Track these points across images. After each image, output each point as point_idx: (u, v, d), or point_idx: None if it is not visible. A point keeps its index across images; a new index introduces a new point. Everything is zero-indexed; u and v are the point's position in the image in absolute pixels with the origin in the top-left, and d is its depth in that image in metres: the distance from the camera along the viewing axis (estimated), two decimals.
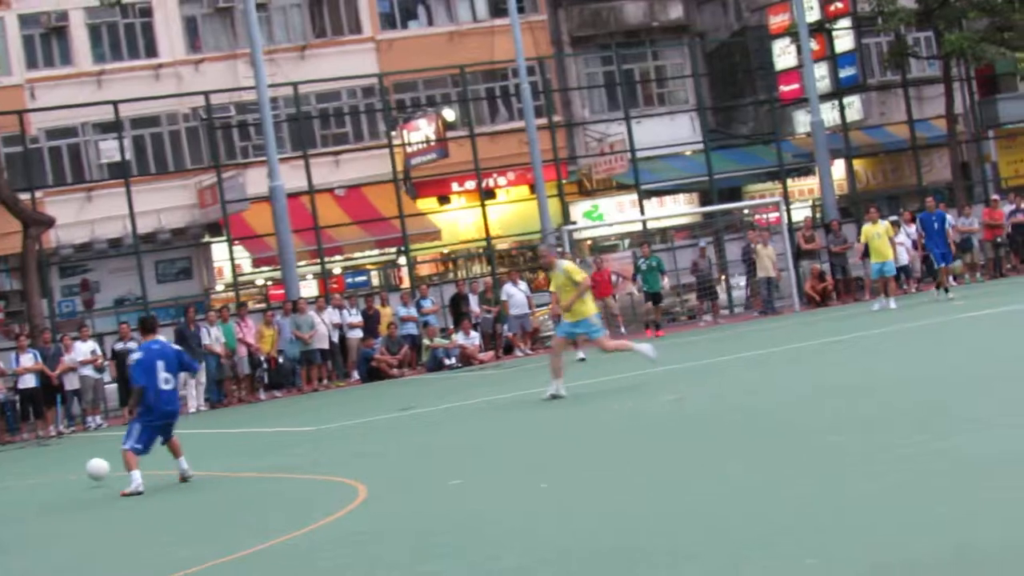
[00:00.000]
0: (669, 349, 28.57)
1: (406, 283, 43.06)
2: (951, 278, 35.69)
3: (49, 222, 38.36)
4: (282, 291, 39.83)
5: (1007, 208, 40.98)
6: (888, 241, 32.38)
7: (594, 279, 39.86)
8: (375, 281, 46.46)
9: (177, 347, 17.49)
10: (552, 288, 21.78)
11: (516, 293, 38.21)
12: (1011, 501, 8.62)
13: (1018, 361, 16.83)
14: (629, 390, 20.42)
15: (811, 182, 49.94)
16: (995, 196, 43.16)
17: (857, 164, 50.77)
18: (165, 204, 44.43)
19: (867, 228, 32.70)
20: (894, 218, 38.40)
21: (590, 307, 20.97)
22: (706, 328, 37.18)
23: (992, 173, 52.28)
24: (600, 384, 22.14)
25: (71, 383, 32.86)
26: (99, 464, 17.56)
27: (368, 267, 47.58)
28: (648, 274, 37.35)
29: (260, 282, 46.38)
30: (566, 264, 21.21)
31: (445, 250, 48.26)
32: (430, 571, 9.05)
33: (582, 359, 27.39)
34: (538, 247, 25.43)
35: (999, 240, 40.43)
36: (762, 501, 9.86)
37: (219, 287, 45.51)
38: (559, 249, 27.97)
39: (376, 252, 47.24)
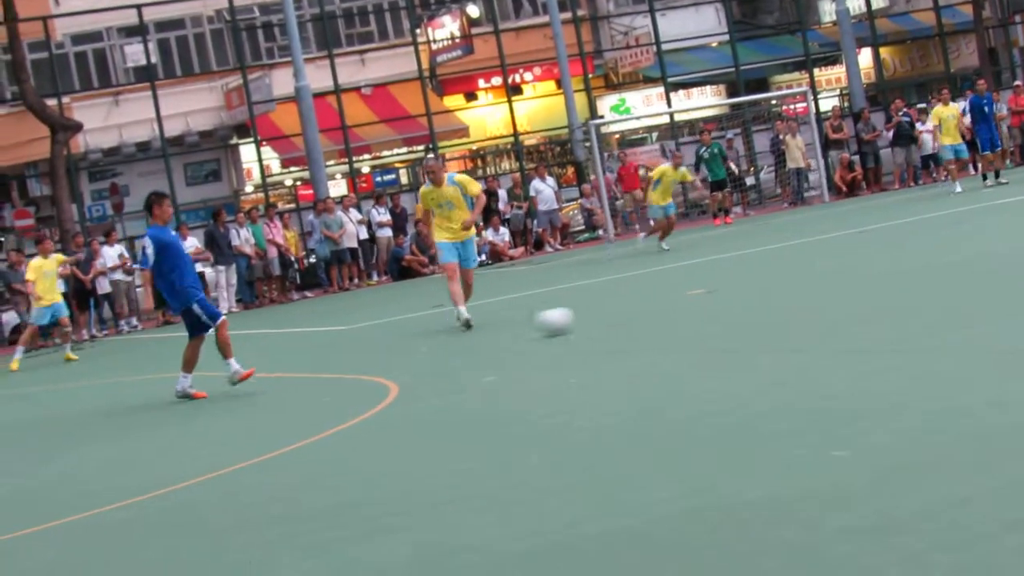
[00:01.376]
0: (710, 241, 28.69)
1: None
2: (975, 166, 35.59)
3: (76, 127, 38.48)
4: (311, 191, 39.92)
5: None
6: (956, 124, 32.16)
7: (620, 173, 40.04)
8: (404, 180, 46.47)
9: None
10: (435, 204, 18.68)
11: (544, 188, 38.30)
12: None
13: None
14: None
15: (838, 71, 49.64)
16: (1018, 82, 42.83)
17: (884, 52, 50.41)
18: (192, 107, 44.38)
19: (939, 110, 32.41)
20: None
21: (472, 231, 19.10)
22: (736, 220, 37.09)
23: (1020, 58, 51.86)
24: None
25: (102, 287, 33.12)
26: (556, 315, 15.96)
27: (396, 165, 47.59)
28: (711, 162, 36.78)
29: (289, 183, 46.44)
30: (458, 176, 19.28)
31: (473, 147, 48.21)
32: (463, 469, 9.18)
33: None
34: (425, 160, 23.34)
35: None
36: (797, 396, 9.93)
37: (248, 188, 45.58)
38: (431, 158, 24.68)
39: (404, 150, 47.22)
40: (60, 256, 28.35)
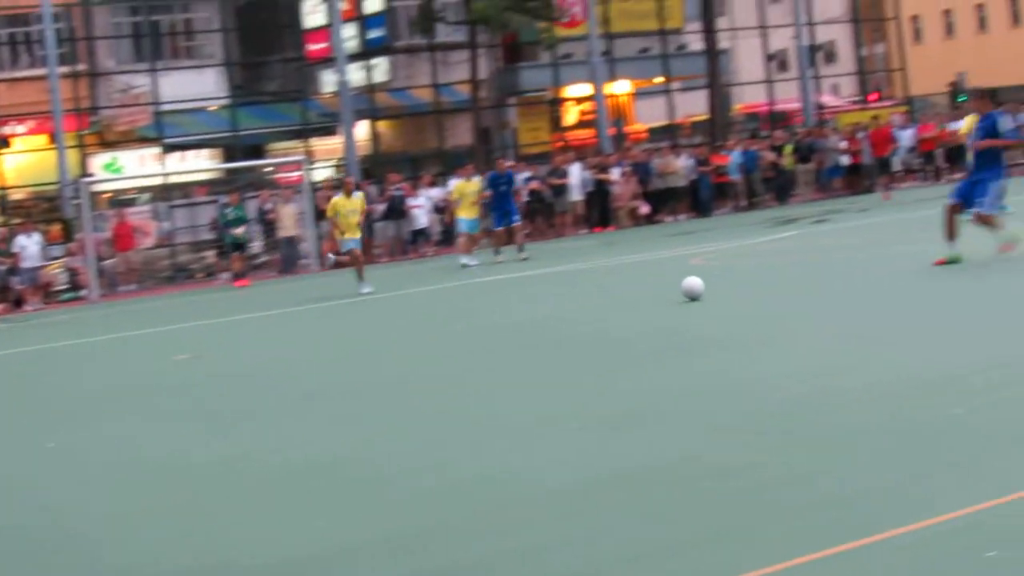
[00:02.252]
0: (189, 307, 28.36)
1: None
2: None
3: None
4: None
5: (521, 175, 42.10)
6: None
7: (116, 232, 39.18)
8: None
9: None
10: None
11: (29, 245, 37.08)
12: None
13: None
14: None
15: (336, 142, 50.14)
16: (511, 163, 44.17)
17: (381, 125, 51.30)
18: None
19: (461, 184, 33.06)
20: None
21: None
22: (223, 286, 36.74)
23: (512, 139, 53.62)
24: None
25: None
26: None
27: None
28: (233, 224, 36.17)
29: None
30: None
31: None
32: None
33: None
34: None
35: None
36: None
37: None
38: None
39: None
40: None
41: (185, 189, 46.60)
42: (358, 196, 28.38)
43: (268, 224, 39.87)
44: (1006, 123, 18.65)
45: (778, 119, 54.59)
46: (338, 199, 27.74)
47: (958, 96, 55.13)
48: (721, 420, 9.85)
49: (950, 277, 17.11)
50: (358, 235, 27.69)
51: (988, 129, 18.45)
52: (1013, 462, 7.72)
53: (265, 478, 9.62)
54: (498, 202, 33.00)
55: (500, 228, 33.24)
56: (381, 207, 40.34)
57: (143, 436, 12.05)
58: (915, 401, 9.66)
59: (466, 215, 32.67)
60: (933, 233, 19.17)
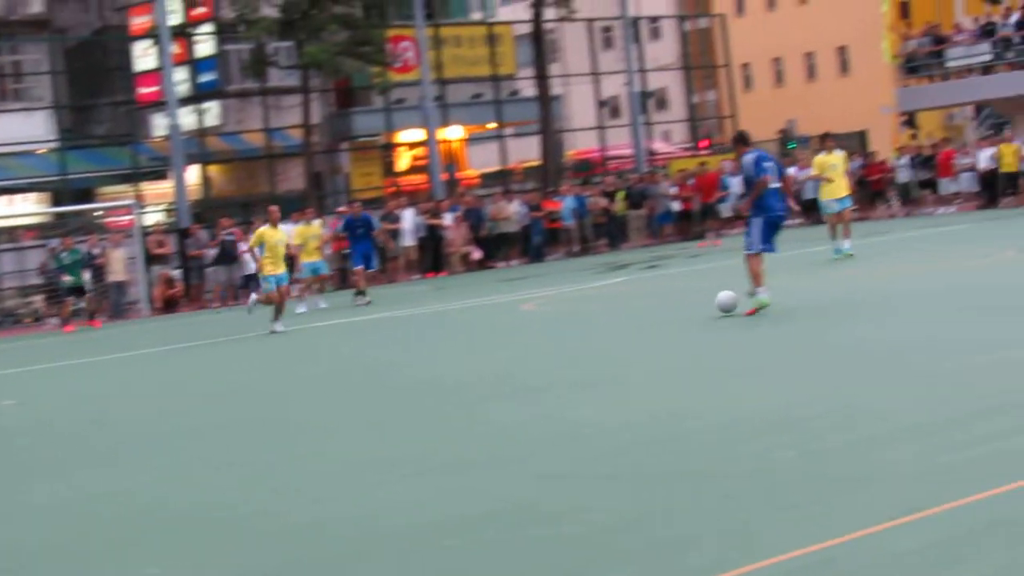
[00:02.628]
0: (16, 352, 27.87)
1: None
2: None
3: None
4: None
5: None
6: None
7: None
8: None
9: None
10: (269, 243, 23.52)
11: None
12: None
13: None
14: None
15: (166, 186, 49.62)
16: (342, 208, 44.21)
17: (213, 170, 50.96)
18: None
19: (302, 229, 32.59)
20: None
21: None
22: (54, 331, 36.14)
23: (344, 184, 53.53)
24: None
25: None
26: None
27: None
28: (72, 268, 35.50)
29: None
30: None
31: None
32: None
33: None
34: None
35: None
36: None
37: None
38: None
39: None
40: None
41: (12, 233, 45.81)
42: (303, 225, 28.64)
43: (97, 269, 39.29)
44: (747, 166, 18.93)
45: (610, 165, 55.16)
46: (264, 229, 25.94)
47: (788, 143, 56.25)
48: (553, 465, 9.91)
49: (774, 322, 17.40)
50: (283, 269, 25.90)
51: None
52: (844, 504, 7.85)
53: (95, 521, 9.52)
54: (356, 245, 32.83)
55: (359, 268, 32.65)
56: (212, 252, 40.04)
57: None
58: (748, 444, 9.80)
59: (309, 259, 32.34)
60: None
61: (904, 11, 74.92)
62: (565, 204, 44.01)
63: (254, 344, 24.20)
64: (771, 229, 18.66)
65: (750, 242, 18.66)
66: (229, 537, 8.68)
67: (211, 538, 8.72)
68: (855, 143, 54.84)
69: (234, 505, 9.68)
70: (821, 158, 29.37)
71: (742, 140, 19.66)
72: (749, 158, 18.87)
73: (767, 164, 18.77)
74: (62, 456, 13.09)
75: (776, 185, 18.78)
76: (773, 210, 18.67)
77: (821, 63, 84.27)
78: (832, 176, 28.60)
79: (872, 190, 45.37)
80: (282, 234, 26.23)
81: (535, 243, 43.62)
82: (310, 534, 8.48)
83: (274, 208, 26.84)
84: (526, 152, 57.76)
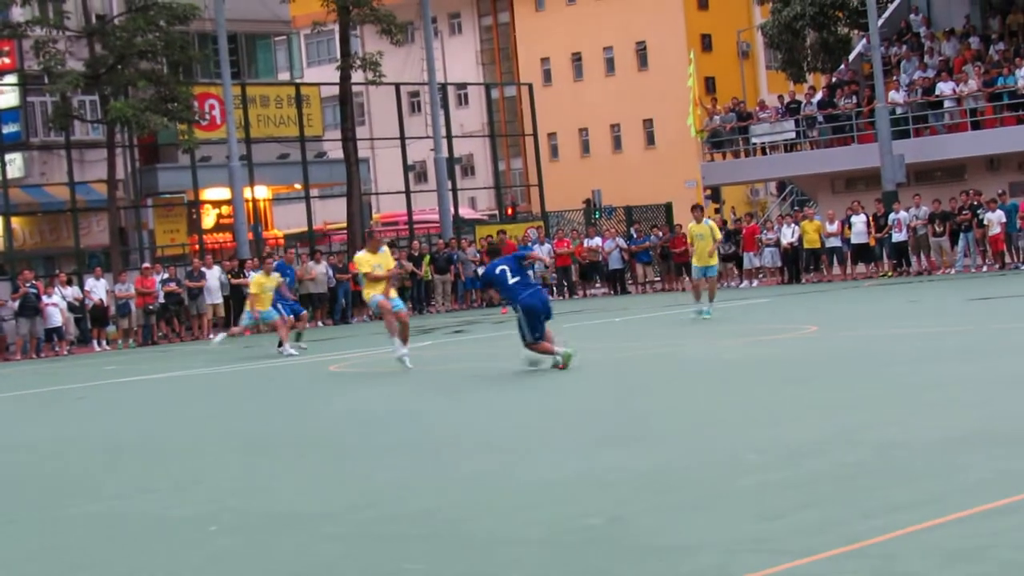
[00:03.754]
0: None
1: None
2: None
3: None
4: None
5: (159, 276, 41.82)
6: None
7: None
8: None
9: None
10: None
11: None
12: None
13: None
14: None
15: None
16: (146, 264, 43.91)
17: (15, 221, 50.14)
18: None
19: (259, 279, 31.91)
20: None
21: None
22: None
23: (149, 240, 53.04)
24: None
25: None
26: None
27: None
28: None
29: None
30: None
31: None
32: None
33: None
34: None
35: (150, 308, 41.04)
36: None
37: None
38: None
39: None
40: None
41: None
42: (261, 275, 29.37)
43: None
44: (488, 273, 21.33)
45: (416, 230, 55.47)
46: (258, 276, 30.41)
47: (593, 213, 57.16)
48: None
49: (600, 378, 17.79)
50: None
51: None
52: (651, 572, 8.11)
53: None
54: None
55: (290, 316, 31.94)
56: (13, 304, 39.46)
57: None
58: (551, 509, 10.03)
59: (263, 308, 31.17)
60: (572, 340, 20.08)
61: (710, 86, 77.02)
62: None
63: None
64: (534, 317, 20.12)
65: (523, 334, 20.22)
66: None
67: None
68: (660, 215, 56.02)
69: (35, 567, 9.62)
70: (692, 227, 30.38)
71: (492, 252, 23.56)
72: (490, 267, 21.03)
73: (501, 268, 20.66)
74: None
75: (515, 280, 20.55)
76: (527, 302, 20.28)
77: (627, 134, 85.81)
78: (699, 245, 29.65)
79: (675, 262, 46.18)
80: (276, 280, 30.07)
81: (341, 305, 43.73)
82: None
83: (269, 260, 32.20)
84: (333, 214, 57.88)
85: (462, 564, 8.47)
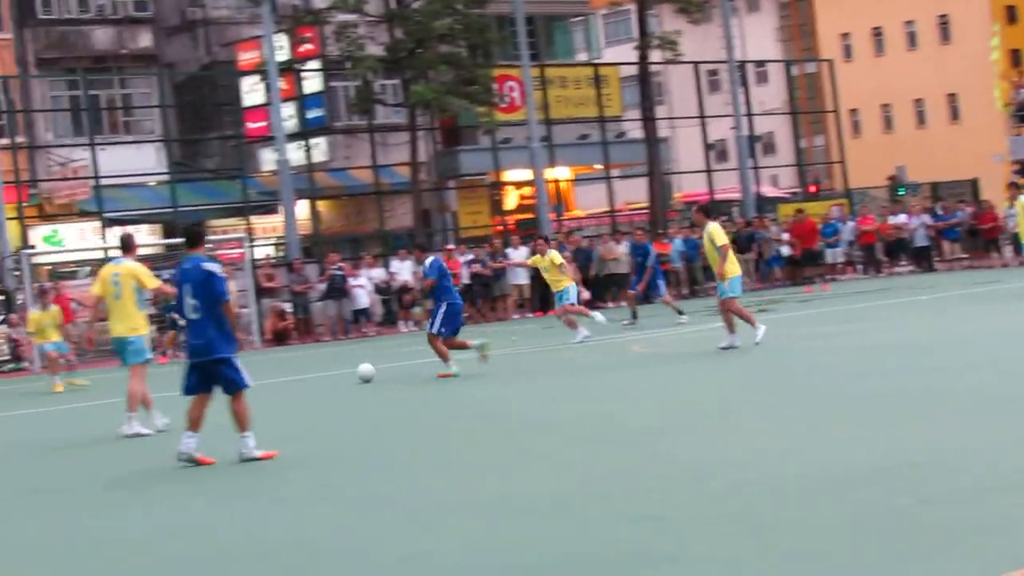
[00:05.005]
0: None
1: None
2: None
3: None
4: None
5: (463, 258, 42.14)
6: None
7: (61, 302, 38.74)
8: None
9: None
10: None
11: None
12: None
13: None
14: None
15: (275, 220, 50.03)
16: (450, 245, 44.32)
17: (321, 205, 51.25)
18: None
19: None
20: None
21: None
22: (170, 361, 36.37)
23: (452, 222, 53.69)
24: None
25: None
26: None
27: None
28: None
29: None
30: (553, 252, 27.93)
31: None
32: None
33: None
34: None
35: None
36: None
37: None
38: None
39: None
40: None
41: None
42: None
43: None
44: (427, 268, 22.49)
45: (719, 208, 54.90)
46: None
47: (898, 189, 55.76)
48: (654, 508, 9.71)
49: (881, 371, 17.17)
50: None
51: None
52: (957, 555, 7.65)
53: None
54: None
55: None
56: (321, 286, 40.28)
57: None
58: (857, 491, 9.58)
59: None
60: (873, 323, 19.36)
61: (1015, 59, 74.49)
62: (674, 246, 43.84)
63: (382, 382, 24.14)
64: (453, 316, 21.93)
65: (431, 323, 22.04)
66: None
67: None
68: (967, 191, 54.33)
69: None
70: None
71: (420, 248, 24.77)
72: (427, 262, 22.35)
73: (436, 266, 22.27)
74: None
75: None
76: (454, 300, 22.15)
77: (931, 110, 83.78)
78: None
79: (984, 239, 44.81)
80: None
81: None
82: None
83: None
84: (633, 194, 57.70)
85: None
